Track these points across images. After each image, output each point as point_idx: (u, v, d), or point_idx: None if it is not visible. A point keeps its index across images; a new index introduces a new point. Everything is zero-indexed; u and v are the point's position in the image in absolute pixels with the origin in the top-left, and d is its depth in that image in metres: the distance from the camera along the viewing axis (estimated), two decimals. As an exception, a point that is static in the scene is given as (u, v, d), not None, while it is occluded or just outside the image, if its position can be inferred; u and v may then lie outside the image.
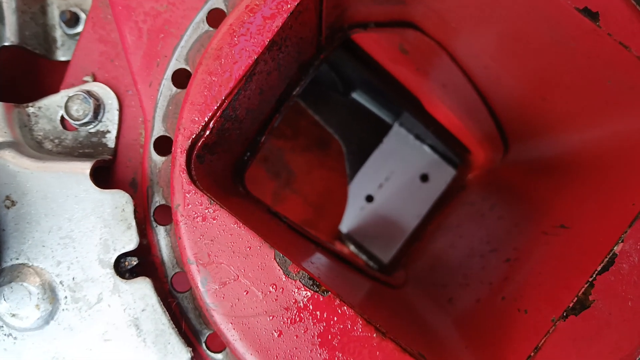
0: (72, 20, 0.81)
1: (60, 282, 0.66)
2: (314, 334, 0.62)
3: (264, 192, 1.61)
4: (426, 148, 1.38)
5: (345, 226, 1.39)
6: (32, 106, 0.73)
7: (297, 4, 0.62)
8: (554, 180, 0.86)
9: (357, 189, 1.40)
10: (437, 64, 1.01)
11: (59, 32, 0.84)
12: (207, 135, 0.65)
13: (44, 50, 0.83)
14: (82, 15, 0.82)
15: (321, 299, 0.62)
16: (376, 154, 1.39)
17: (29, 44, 0.80)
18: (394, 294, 1.13)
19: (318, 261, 0.92)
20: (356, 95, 1.41)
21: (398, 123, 1.38)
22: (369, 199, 1.39)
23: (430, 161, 1.39)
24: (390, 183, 1.39)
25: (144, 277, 0.66)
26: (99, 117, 0.72)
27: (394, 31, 0.93)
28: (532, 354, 0.62)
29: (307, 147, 1.64)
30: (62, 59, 0.84)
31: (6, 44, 0.78)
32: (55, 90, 0.76)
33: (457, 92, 1.07)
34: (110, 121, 0.72)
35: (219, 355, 0.70)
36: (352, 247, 1.39)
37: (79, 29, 0.82)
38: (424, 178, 1.38)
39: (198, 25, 0.70)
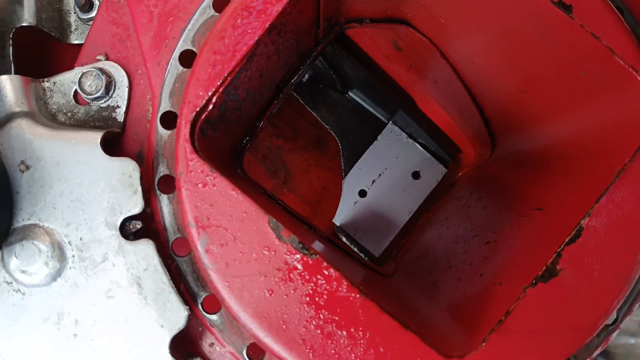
0: (86, 5, 0.87)
1: (69, 242, 0.72)
2: (302, 293, 0.67)
3: (262, 190, 1.66)
4: (419, 146, 1.44)
5: (338, 219, 1.44)
6: (47, 81, 0.79)
7: (296, -9, 0.68)
8: (535, 171, 0.92)
9: (351, 183, 1.45)
10: (428, 61, 1.07)
11: (73, 17, 0.90)
12: (210, 110, 0.70)
13: (59, 34, 0.89)
14: (96, 2, 0.88)
15: (310, 262, 0.67)
16: (370, 150, 1.45)
17: (45, 26, 0.86)
18: (383, 281, 1.18)
19: (315, 245, 0.97)
20: (353, 94, 1.47)
21: (392, 121, 1.43)
22: (362, 193, 1.44)
23: (423, 159, 1.44)
24: (383, 179, 1.44)
25: (147, 239, 0.71)
26: (110, 93, 0.78)
27: (388, 27, 0.98)
28: (503, 318, 0.67)
29: (305, 147, 1.69)
30: (76, 42, 0.90)
31: (24, 24, 0.84)
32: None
33: (447, 89, 1.12)
34: (120, 97, 0.78)
35: (214, 316, 0.75)
36: (344, 240, 1.44)
37: (93, 14, 0.87)
38: (416, 175, 1.44)
39: (205, 10, 0.76)
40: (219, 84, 0.69)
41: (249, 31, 0.69)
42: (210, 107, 0.70)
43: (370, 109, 1.46)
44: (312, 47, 0.95)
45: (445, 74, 1.04)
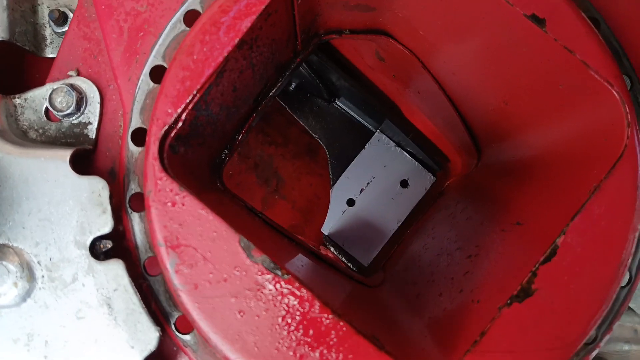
0: (60, 19, 0.86)
1: (38, 262, 0.70)
2: (273, 314, 0.65)
3: (254, 198, 1.65)
4: (407, 155, 1.43)
5: (326, 229, 1.43)
6: (18, 97, 0.78)
7: (265, 6, 0.67)
8: (515, 181, 0.91)
9: (339, 192, 1.43)
10: (410, 72, 1.05)
11: (48, 30, 0.89)
12: (179, 127, 0.69)
13: (33, 47, 0.88)
14: (71, 15, 0.87)
15: (281, 282, 0.66)
16: (358, 159, 1.43)
17: (19, 40, 0.85)
18: (369, 293, 1.17)
19: (298, 261, 0.96)
20: (340, 103, 1.45)
21: (380, 130, 1.42)
22: (351, 202, 1.43)
23: (411, 168, 1.43)
24: (371, 188, 1.43)
25: (117, 259, 0.70)
26: (82, 109, 0.77)
27: (369, 38, 0.97)
28: (478, 338, 0.66)
29: (296, 155, 1.69)
30: (51, 56, 0.89)
31: (-3, 39, 0.83)
32: (42, 85, 0.80)
33: (431, 99, 1.11)
34: (92, 113, 0.77)
35: (187, 337, 0.73)
36: (332, 250, 1.43)
37: (67, 27, 0.86)
38: (404, 184, 1.42)
39: (175, 25, 0.74)
40: (188, 100, 0.68)
41: (218, 47, 0.68)
42: (180, 124, 0.69)
43: (358, 118, 1.45)
44: (290, 58, 0.93)
45: (427, 84, 1.03)
